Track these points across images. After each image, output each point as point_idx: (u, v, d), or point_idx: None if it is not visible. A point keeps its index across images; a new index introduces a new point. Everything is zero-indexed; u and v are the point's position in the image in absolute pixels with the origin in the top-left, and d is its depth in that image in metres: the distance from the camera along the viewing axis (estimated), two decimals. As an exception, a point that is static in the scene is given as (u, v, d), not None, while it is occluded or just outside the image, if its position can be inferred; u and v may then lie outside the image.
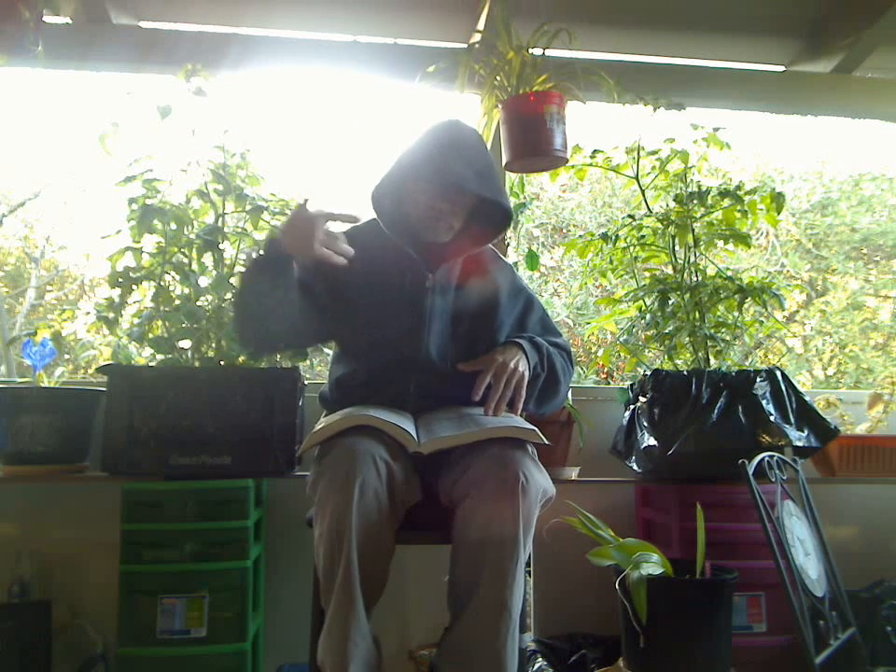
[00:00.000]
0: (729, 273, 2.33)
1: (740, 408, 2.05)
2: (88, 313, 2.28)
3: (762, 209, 2.35)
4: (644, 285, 2.37)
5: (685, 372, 2.13)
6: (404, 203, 1.66)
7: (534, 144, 2.16)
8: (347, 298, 1.64)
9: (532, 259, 2.48)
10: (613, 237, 2.41)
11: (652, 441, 2.09)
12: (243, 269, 1.56)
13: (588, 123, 2.45)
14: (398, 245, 1.65)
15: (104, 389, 2.02)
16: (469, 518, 1.37)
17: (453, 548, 1.42)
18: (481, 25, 2.47)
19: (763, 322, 2.42)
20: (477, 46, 2.37)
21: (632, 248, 2.42)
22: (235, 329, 1.69)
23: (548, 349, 1.65)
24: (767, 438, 2.02)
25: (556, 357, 1.67)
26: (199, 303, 2.12)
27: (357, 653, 1.27)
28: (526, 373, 1.56)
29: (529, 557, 1.42)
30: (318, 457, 1.41)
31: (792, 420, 2.08)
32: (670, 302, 2.28)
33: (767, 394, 2.09)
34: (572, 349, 1.79)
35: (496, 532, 1.33)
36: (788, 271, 6.06)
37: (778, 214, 2.35)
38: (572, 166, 2.39)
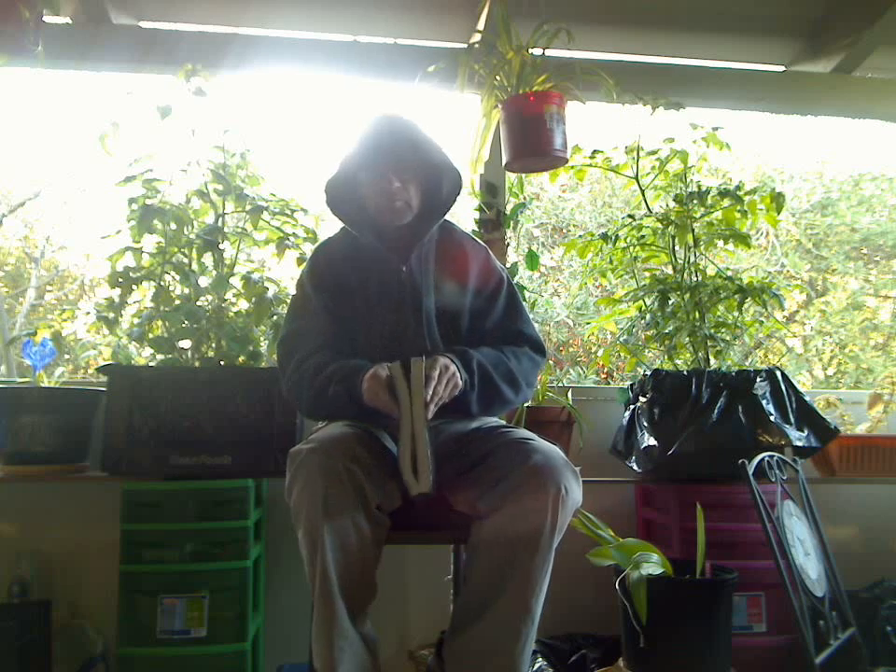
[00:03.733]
0: (729, 273, 2.33)
1: (740, 408, 2.05)
2: (88, 313, 2.28)
3: (761, 209, 2.35)
4: (644, 285, 2.37)
5: (685, 372, 2.13)
6: (360, 199, 1.67)
7: (534, 144, 2.16)
8: (343, 318, 1.64)
9: (532, 259, 2.48)
10: (613, 237, 2.41)
11: (652, 441, 2.09)
12: (329, 397, 1.48)
13: (588, 123, 2.45)
14: (366, 248, 1.66)
15: (104, 389, 2.02)
16: (506, 525, 1.35)
17: (475, 550, 1.40)
18: (481, 25, 2.47)
19: (762, 322, 2.42)
20: (477, 46, 2.37)
21: (632, 248, 2.42)
22: (299, 405, 1.61)
23: (480, 362, 1.52)
24: (767, 438, 2.02)
25: (497, 366, 1.55)
26: (199, 303, 2.12)
27: (343, 658, 1.29)
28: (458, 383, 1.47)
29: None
30: (289, 464, 1.40)
31: (792, 420, 2.08)
32: (670, 302, 2.28)
33: (767, 394, 2.09)
34: (542, 339, 1.71)
35: (532, 540, 1.33)
36: (788, 271, 6.05)
37: (778, 214, 2.35)
38: (572, 166, 2.39)
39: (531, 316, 1.77)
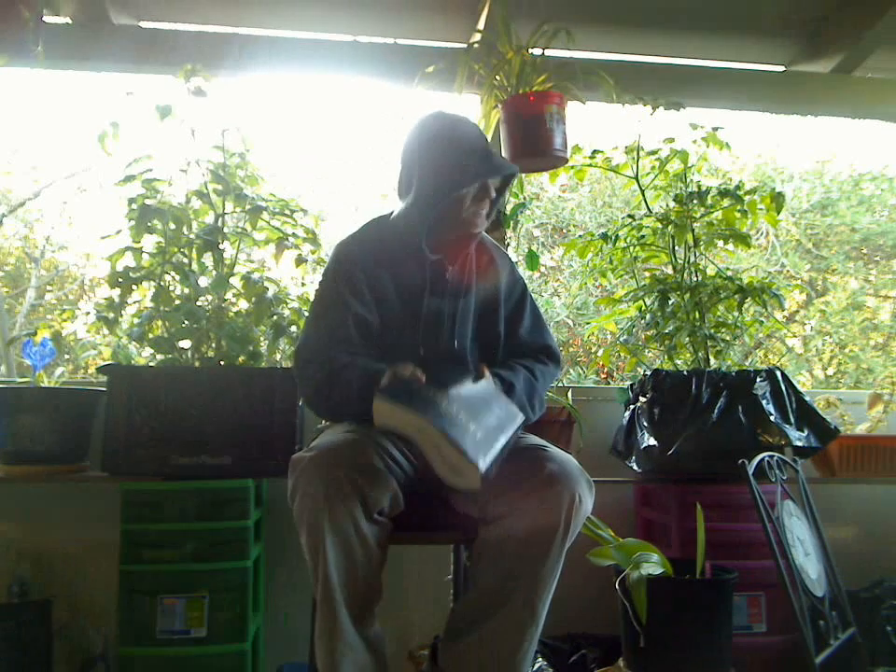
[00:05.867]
0: (729, 273, 2.33)
1: (740, 408, 2.05)
2: (88, 313, 2.28)
3: (761, 209, 2.35)
4: (644, 285, 2.37)
5: (685, 372, 2.13)
6: (441, 213, 1.58)
7: (534, 144, 2.16)
8: (381, 315, 1.60)
9: (532, 259, 2.47)
10: (613, 237, 2.41)
11: (652, 441, 2.08)
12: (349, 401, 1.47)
13: (588, 123, 2.45)
14: (405, 245, 1.60)
15: (104, 389, 2.02)
16: (518, 530, 1.35)
17: (483, 553, 1.40)
18: (481, 25, 2.47)
19: (762, 322, 2.42)
20: (477, 46, 2.37)
21: (632, 248, 2.42)
22: (316, 408, 1.59)
23: (526, 391, 1.59)
24: (767, 438, 2.02)
25: (533, 388, 1.62)
26: (199, 303, 2.12)
27: (344, 663, 1.30)
28: None
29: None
30: (291, 472, 1.39)
31: (792, 420, 2.08)
32: (670, 302, 2.28)
33: (767, 394, 2.09)
34: (561, 354, 1.78)
35: (543, 546, 1.34)
36: (788, 271, 6.05)
37: (778, 214, 2.35)
38: (572, 166, 2.39)
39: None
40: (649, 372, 2.18)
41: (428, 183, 1.55)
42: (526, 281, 1.82)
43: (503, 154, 2.23)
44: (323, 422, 1.68)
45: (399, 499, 1.44)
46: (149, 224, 2.07)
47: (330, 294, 1.60)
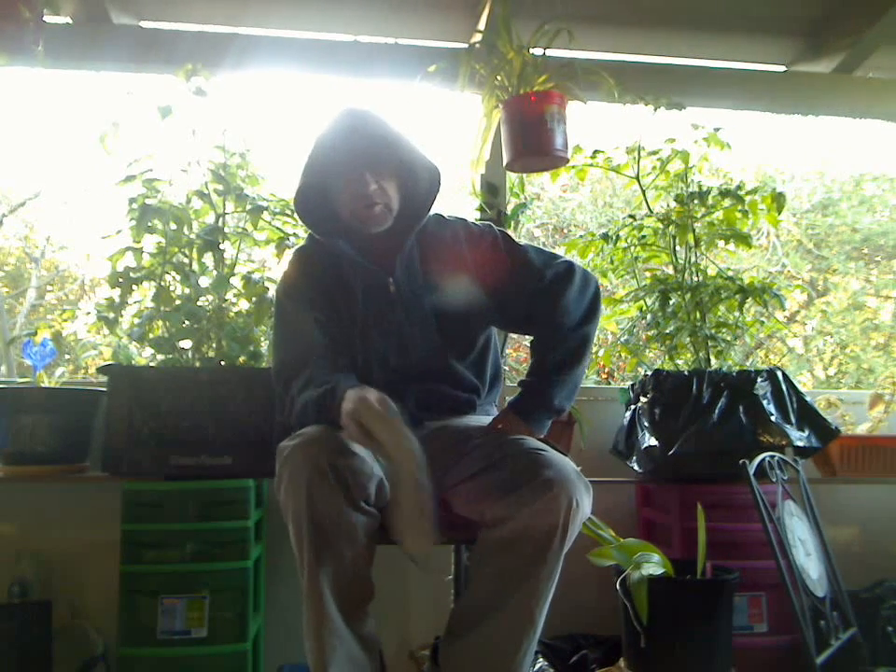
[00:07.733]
0: (730, 274, 2.32)
1: (741, 408, 2.05)
2: (88, 313, 2.28)
3: (762, 209, 2.35)
4: (645, 285, 2.37)
5: (686, 373, 2.13)
6: (331, 205, 1.57)
7: (534, 144, 2.15)
8: (336, 334, 1.56)
9: (533, 259, 2.47)
10: (614, 237, 2.41)
11: (653, 441, 2.08)
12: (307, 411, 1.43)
13: (589, 123, 2.45)
14: (345, 261, 1.57)
15: (104, 389, 2.02)
16: (515, 535, 1.34)
17: (481, 556, 1.40)
18: (482, 25, 2.46)
19: (763, 322, 2.42)
20: (478, 46, 2.37)
21: (633, 248, 2.42)
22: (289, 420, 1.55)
23: (559, 390, 1.58)
24: (768, 438, 2.02)
25: (566, 363, 1.58)
26: (199, 303, 2.12)
27: (334, 656, 1.28)
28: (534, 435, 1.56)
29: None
30: (277, 460, 1.37)
31: (793, 420, 2.08)
32: (671, 302, 2.28)
33: (768, 394, 2.09)
34: (568, 263, 1.61)
35: (540, 552, 1.33)
36: (789, 271, 6.06)
37: (779, 214, 2.35)
38: (573, 166, 2.39)
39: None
40: (650, 373, 2.18)
41: (316, 193, 1.55)
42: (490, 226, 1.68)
43: (504, 154, 2.23)
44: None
45: (385, 489, 1.42)
46: (150, 224, 2.07)
47: (287, 314, 1.59)
